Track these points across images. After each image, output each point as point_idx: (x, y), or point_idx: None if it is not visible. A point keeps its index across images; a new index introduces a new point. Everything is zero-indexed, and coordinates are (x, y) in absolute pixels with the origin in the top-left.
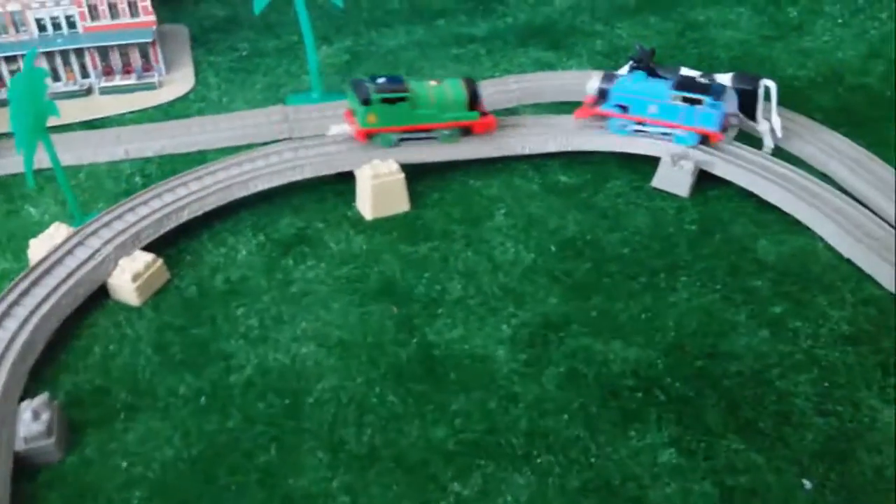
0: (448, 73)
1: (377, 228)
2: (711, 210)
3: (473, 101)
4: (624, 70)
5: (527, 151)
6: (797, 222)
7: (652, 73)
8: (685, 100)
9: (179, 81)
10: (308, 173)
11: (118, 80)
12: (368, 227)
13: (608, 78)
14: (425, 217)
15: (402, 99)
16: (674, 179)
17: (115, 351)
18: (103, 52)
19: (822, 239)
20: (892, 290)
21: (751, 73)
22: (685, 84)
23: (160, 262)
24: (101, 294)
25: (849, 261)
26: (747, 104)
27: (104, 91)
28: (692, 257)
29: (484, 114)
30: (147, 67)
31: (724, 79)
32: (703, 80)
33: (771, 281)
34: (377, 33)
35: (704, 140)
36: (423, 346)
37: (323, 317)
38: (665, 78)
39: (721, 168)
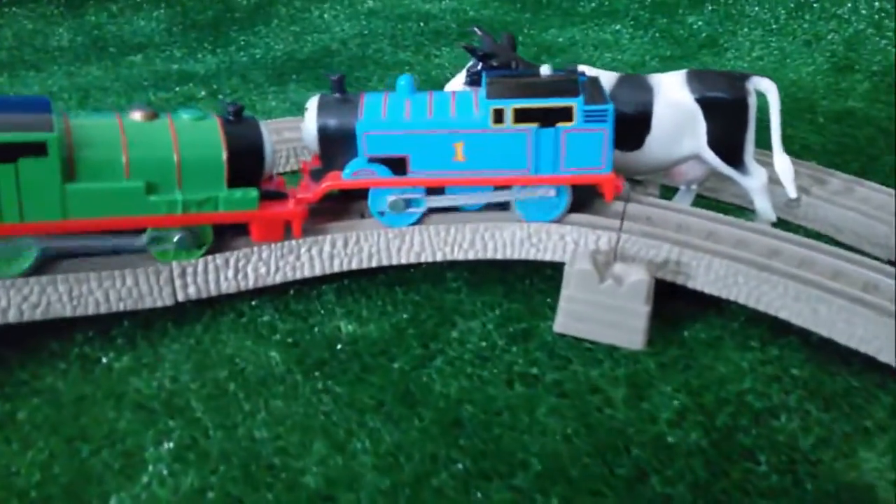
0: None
1: None
2: (714, 380)
3: (248, 167)
4: (456, 83)
5: (254, 284)
6: None
7: (523, 77)
8: (526, 116)
9: None
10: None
11: None
12: None
13: (336, 105)
14: None
15: (34, 150)
16: (607, 314)
17: None
18: None
19: None
20: None
21: (725, 72)
22: (520, 86)
23: None
24: None
25: None
26: (725, 134)
27: None
28: None
29: (274, 196)
30: None
31: (671, 82)
32: (553, 74)
33: None
34: (11, 76)
35: (585, 196)
36: None
37: None
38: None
39: (707, 274)
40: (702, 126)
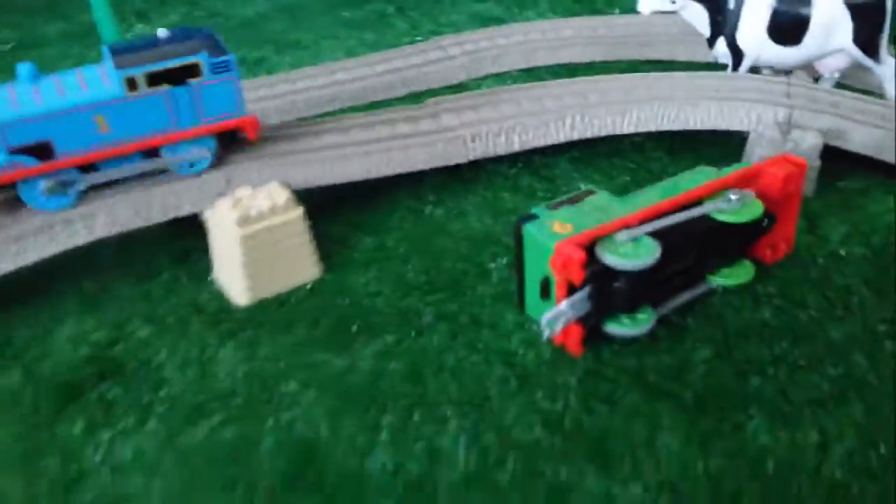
0: (341, 45)
1: (265, 324)
2: (867, 216)
3: None
4: None
5: (513, 148)
6: None
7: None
8: (159, 79)
9: None
10: (101, 232)
11: None
12: (248, 323)
13: None
14: (353, 287)
15: None
16: None
17: None
18: None
19: None
20: None
21: None
22: (136, 47)
23: None
24: None
25: None
26: (867, 32)
27: None
28: None
29: None
30: None
31: None
32: (171, 35)
33: None
34: (224, 2)
35: (228, 141)
36: None
37: None
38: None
39: (864, 139)
40: (849, 25)
